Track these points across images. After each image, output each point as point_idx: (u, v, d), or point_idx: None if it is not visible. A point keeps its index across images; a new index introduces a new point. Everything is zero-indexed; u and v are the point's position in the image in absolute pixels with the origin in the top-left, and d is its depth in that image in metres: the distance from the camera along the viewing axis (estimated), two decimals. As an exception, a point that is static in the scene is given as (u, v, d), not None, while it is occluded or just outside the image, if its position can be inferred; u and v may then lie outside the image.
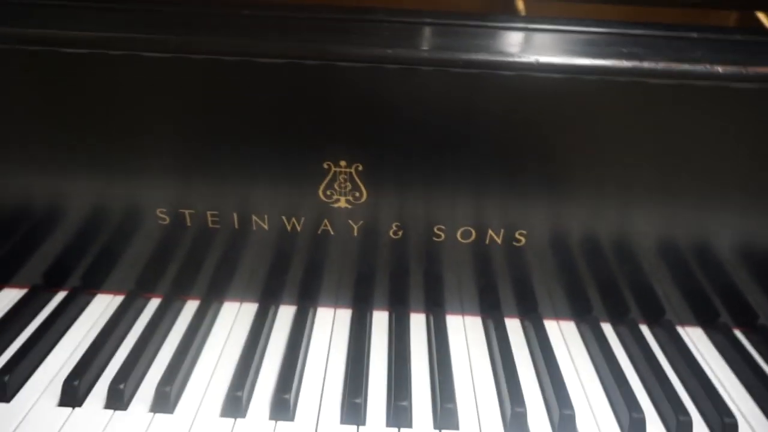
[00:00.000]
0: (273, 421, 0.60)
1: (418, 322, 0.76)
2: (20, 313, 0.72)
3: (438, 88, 0.61)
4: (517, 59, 0.55)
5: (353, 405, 0.61)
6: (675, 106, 0.62)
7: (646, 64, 0.55)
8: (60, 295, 0.76)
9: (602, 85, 0.60)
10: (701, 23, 0.77)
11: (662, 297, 0.77)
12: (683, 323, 0.79)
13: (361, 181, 0.66)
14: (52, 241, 0.73)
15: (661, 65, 0.55)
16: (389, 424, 0.61)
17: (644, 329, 0.77)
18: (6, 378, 0.61)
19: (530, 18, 0.74)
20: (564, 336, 0.76)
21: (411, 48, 0.58)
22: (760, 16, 0.86)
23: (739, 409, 0.66)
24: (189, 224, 0.70)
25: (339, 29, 0.64)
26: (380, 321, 0.76)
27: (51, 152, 0.67)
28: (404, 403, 0.61)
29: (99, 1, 0.70)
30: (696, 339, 0.77)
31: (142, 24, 0.65)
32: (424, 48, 0.58)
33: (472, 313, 0.77)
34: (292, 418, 0.61)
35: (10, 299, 0.75)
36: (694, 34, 0.62)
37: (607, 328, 0.77)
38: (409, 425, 0.61)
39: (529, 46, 0.59)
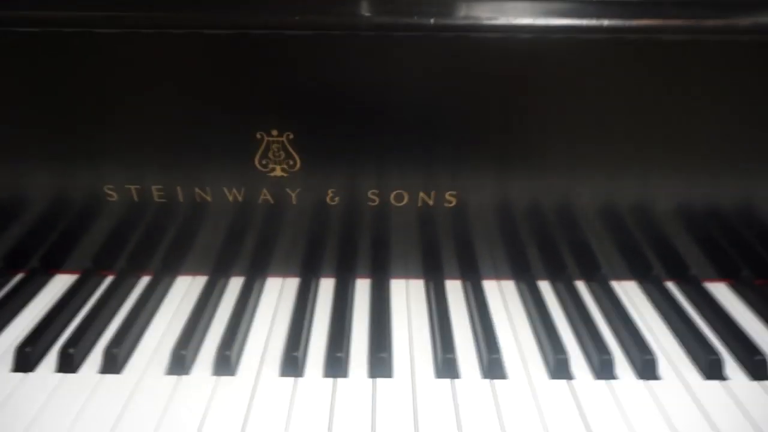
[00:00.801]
0: (215, 377, 0.63)
1: (362, 287, 0.80)
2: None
3: (358, 54, 0.65)
4: (411, 21, 0.59)
5: (291, 358, 0.64)
6: (582, 61, 0.65)
7: (539, 21, 0.59)
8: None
9: (508, 43, 0.64)
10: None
11: (597, 253, 0.80)
12: (618, 278, 0.82)
13: (293, 150, 0.70)
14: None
15: (553, 21, 0.59)
16: (326, 374, 0.64)
17: (581, 285, 0.81)
18: None
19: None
20: (503, 294, 0.80)
21: (319, 13, 0.61)
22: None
23: (663, 350, 0.70)
24: (136, 199, 0.74)
25: None
26: (326, 288, 0.79)
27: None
28: (340, 354, 0.65)
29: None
30: (630, 291, 0.81)
31: (92, 3, 0.68)
32: (334, 12, 0.61)
33: (415, 276, 0.81)
34: (233, 373, 0.64)
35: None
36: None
37: (545, 286, 0.81)
38: (345, 375, 0.64)
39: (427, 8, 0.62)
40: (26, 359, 0.64)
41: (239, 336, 0.68)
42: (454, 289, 0.80)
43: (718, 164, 0.73)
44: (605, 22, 0.59)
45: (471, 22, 0.60)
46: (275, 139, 0.68)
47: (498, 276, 0.82)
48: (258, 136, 0.68)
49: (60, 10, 0.62)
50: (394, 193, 0.73)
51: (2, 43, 0.64)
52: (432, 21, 0.59)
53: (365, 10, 0.60)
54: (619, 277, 0.82)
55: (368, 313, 0.75)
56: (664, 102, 0.68)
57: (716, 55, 0.65)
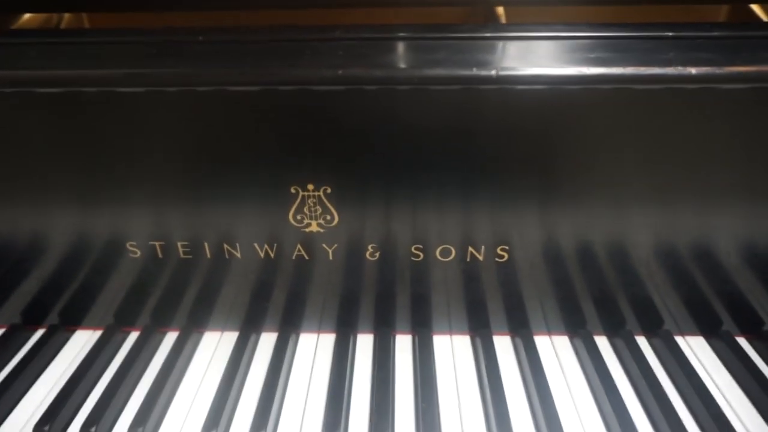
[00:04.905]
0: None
1: (403, 343, 0.74)
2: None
3: (401, 106, 0.59)
4: (476, 73, 0.53)
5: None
6: (655, 109, 0.59)
7: (614, 70, 0.52)
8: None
9: (574, 93, 0.57)
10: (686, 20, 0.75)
11: (660, 306, 0.73)
12: (683, 332, 0.75)
13: (331, 204, 0.64)
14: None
15: (629, 70, 0.52)
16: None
17: (641, 341, 0.74)
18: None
19: (505, 26, 0.72)
20: (557, 352, 0.73)
21: (364, 67, 0.55)
22: (755, 8, 0.82)
23: (740, 421, 0.63)
24: (161, 256, 0.68)
25: (297, 51, 0.62)
26: (364, 344, 0.73)
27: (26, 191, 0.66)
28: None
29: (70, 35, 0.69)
30: (697, 348, 0.74)
31: (112, 59, 0.64)
32: (381, 66, 0.56)
33: (459, 331, 0.75)
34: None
35: None
36: (669, 33, 0.59)
37: (602, 342, 0.74)
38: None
39: (494, 59, 0.56)
40: (45, 437, 0.59)
41: (273, 411, 0.62)
42: (501, 344, 0.73)
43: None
44: (687, 71, 0.51)
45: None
46: (311, 193, 0.63)
47: (549, 331, 0.75)
48: (293, 190, 0.62)
49: (76, 69, 0.57)
50: (440, 248, 0.67)
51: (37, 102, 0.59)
52: (494, 73, 0.52)
53: (403, 64, 0.54)
54: (684, 332, 0.75)
55: (412, 375, 0.69)
56: (726, 146, 0.61)
57: None
